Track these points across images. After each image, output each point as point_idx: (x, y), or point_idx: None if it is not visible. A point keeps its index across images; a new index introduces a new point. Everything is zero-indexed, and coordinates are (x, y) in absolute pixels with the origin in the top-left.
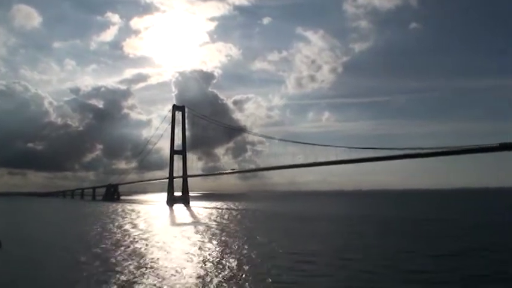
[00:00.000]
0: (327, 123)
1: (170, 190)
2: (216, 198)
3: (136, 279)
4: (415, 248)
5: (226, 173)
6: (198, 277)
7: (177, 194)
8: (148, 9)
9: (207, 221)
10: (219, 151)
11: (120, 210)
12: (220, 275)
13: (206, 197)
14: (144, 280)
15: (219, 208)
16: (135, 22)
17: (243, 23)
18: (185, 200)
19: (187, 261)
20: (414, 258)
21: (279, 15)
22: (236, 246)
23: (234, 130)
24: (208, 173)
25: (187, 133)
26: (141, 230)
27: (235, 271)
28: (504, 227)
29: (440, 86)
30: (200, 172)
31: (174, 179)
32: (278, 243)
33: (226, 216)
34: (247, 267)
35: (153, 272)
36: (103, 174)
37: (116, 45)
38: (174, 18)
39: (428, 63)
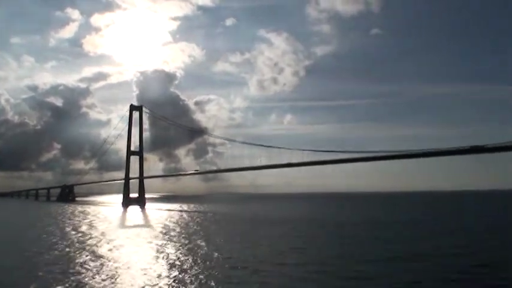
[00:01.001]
0: (289, 126)
1: (126, 191)
2: (174, 200)
3: (55, 283)
4: (362, 252)
5: (184, 174)
6: (119, 282)
7: (133, 195)
8: (109, 6)
9: (154, 223)
10: (180, 152)
11: (70, 211)
12: (142, 280)
13: (165, 198)
14: (63, 285)
15: (173, 210)
16: (96, 19)
17: (206, 23)
18: (141, 201)
19: (116, 266)
20: (357, 263)
21: (242, 16)
22: (172, 250)
23: (195, 131)
24: (169, 174)
25: (148, 134)
26: (81, 232)
27: (158, 277)
28: (460, 231)
29: (401, 91)
30: (161, 173)
31: (132, 181)
32: (217, 248)
33: (176, 219)
34: (174, 273)
35: (76, 276)
36: (61, 174)
37: (75, 42)
38: (136, 16)
39: (389, 68)
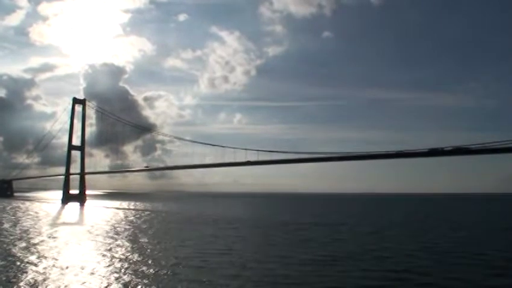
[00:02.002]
0: (239, 125)
1: (66, 188)
2: (118, 198)
3: None
4: (292, 254)
5: (129, 171)
6: (20, 283)
7: (74, 192)
8: None
9: (86, 221)
10: (128, 149)
11: (1, 207)
12: (42, 282)
13: (110, 196)
14: None
15: (112, 208)
16: (44, 7)
17: (158, 17)
18: (81, 198)
19: (23, 267)
20: (281, 267)
21: (195, 13)
22: (90, 250)
23: (144, 128)
24: (115, 170)
25: (94, 129)
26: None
27: (57, 280)
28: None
29: (349, 94)
30: (107, 169)
31: (75, 177)
32: (139, 248)
33: (110, 217)
34: (79, 275)
35: None
36: (2, 168)
37: (21, 30)
38: (86, 7)
39: (339, 71)
